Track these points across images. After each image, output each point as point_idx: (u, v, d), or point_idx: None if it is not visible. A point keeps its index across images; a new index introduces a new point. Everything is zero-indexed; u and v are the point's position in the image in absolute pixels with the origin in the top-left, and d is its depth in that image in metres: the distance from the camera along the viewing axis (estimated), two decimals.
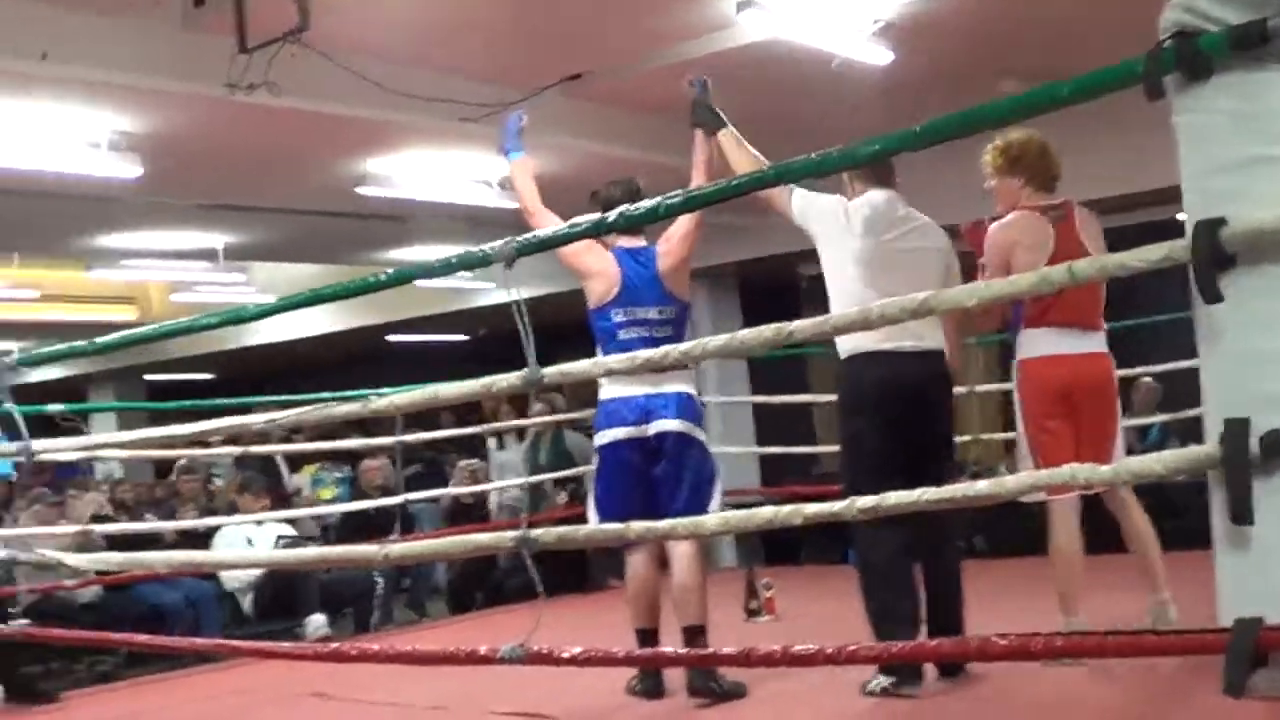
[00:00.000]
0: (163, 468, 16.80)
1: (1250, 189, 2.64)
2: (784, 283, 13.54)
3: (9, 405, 5.17)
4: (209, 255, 12.04)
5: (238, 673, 7.53)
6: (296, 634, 8.78)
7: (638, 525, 3.35)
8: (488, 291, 14.39)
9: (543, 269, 13.61)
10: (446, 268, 3.71)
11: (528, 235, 3.55)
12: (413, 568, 10.94)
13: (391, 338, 17.64)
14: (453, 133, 8.12)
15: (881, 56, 7.90)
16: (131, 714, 6.70)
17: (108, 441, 6.72)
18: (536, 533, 3.44)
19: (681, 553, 5.53)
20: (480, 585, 10.93)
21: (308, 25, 6.25)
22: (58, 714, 6.78)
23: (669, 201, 3.26)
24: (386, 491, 11.67)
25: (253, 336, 16.63)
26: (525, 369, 3.49)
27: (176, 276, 13.74)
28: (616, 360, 3.48)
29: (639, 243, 5.78)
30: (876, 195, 5.56)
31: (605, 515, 5.45)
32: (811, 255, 12.32)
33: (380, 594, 9.70)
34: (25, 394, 17.67)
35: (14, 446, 5.16)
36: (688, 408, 5.55)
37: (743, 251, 12.09)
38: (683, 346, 3.30)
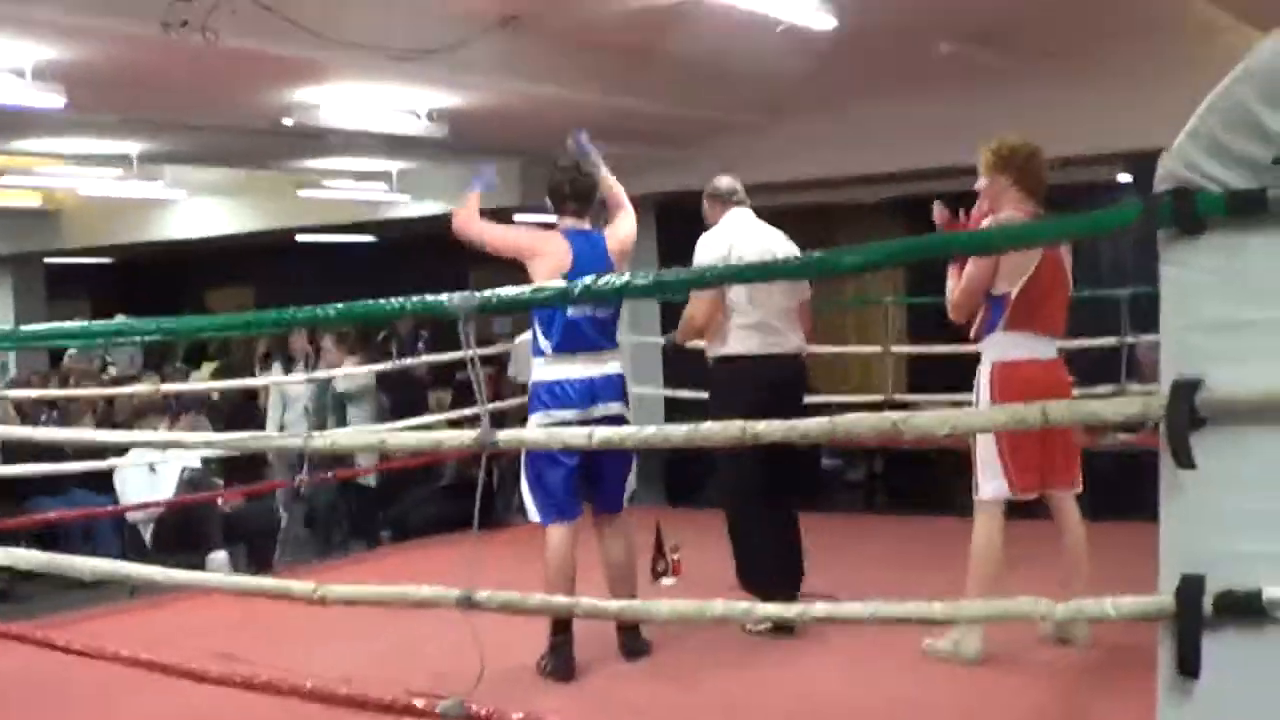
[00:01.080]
0: (57, 352, 16.61)
1: (1229, 350, 2.66)
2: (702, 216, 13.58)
3: None
4: (123, 160, 11.79)
5: (139, 616, 7.46)
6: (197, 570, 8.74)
7: (586, 602, 3.35)
8: (399, 205, 14.24)
9: (449, 189, 13.63)
10: (401, 310, 3.61)
11: (490, 292, 3.46)
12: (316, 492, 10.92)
13: (301, 238, 17.41)
14: (386, 68, 7.98)
15: (825, 22, 7.89)
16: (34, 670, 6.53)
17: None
18: (482, 595, 3.43)
19: (626, 543, 6.06)
20: (386, 509, 10.99)
21: None
22: None
23: (638, 282, 3.19)
24: None
25: (161, 231, 16.31)
26: (479, 429, 3.43)
27: (89, 187, 13.43)
28: (567, 434, 3.43)
29: (587, 226, 6.04)
30: (740, 216, 6.57)
31: (544, 498, 5.79)
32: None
33: (284, 528, 9.67)
34: None
35: None
36: (621, 388, 5.86)
37: (661, 183, 12.05)
38: (645, 432, 3.27)
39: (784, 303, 6.40)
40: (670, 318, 12.35)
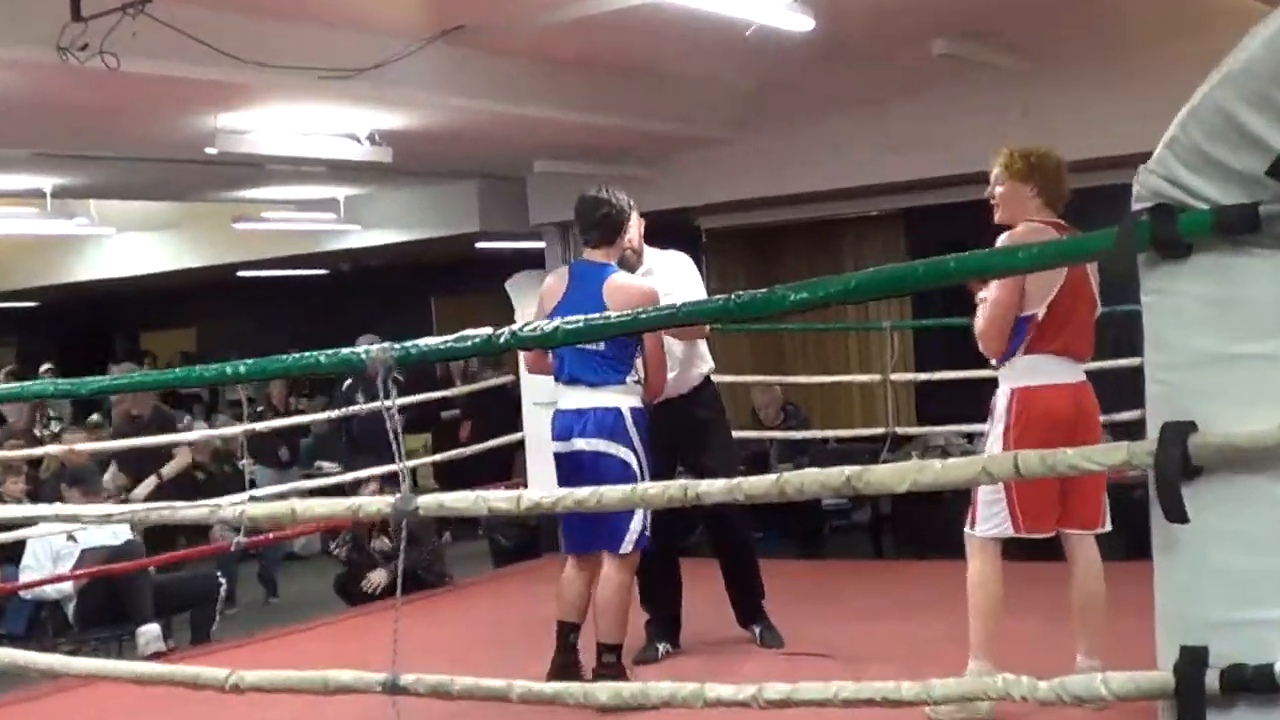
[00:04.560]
0: None
1: (1222, 389, 2.55)
2: (683, 235, 13.50)
3: None
4: (36, 194, 11.68)
5: (58, 701, 7.33)
6: (127, 647, 8.65)
7: (520, 686, 3.26)
8: (350, 234, 14.17)
9: (402, 217, 13.55)
10: (315, 365, 3.52)
11: (408, 344, 3.39)
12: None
13: (243, 274, 17.32)
14: (316, 89, 7.87)
15: (801, 24, 7.79)
16: None
17: None
18: (408, 679, 3.36)
19: (604, 574, 6.13)
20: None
21: None
22: None
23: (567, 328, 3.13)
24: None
25: (88, 271, 16.23)
26: (397, 495, 3.35)
27: (2, 226, 13.33)
28: (500, 498, 3.35)
29: (602, 259, 6.24)
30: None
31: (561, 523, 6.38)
32: (712, 209, 12.27)
33: (224, 595, 9.58)
34: None
35: None
36: (607, 424, 6.02)
37: (640, 203, 12.01)
38: None
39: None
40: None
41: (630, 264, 6.62)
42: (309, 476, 12.67)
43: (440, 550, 10.23)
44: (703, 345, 6.93)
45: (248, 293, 19.13)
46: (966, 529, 5.54)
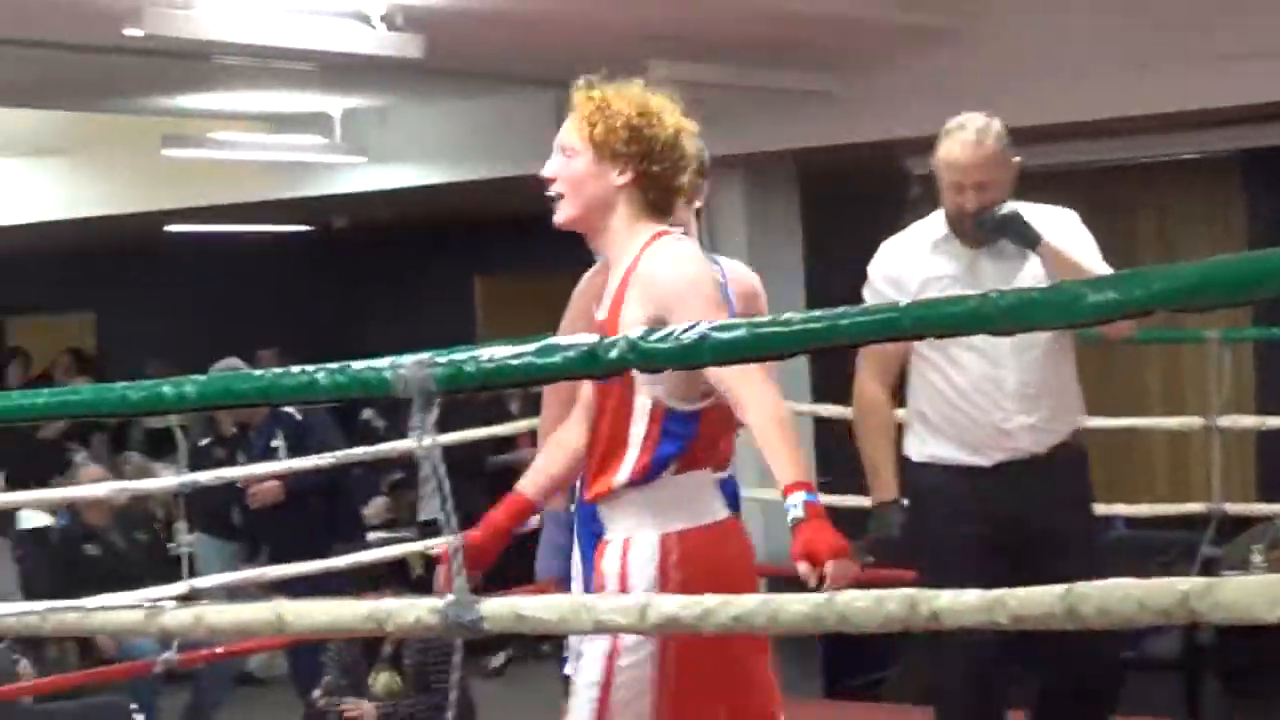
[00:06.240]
0: None
1: None
2: (879, 183, 13.40)
3: None
4: None
5: None
6: None
7: None
8: (348, 169, 14.21)
9: (434, 145, 13.62)
10: (310, 387, 3.54)
11: (458, 356, 3.39)
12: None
13: (175, 229, 17.44)
14: None
15: None
16: None
17: None
18: None
19: None
20: None
21: None
22: None
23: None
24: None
25: None
26: (450, 598, 3.40)
27: None
28: (615, 607, 3.40)
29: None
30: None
31: None
32: (929, 145, 12.56)
33: None
34: None
35: None
36: None
37: (816, 131, 11.95)
38: None
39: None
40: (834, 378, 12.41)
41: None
42: None
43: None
44: (1073, 373, 6.58)
45: (182, 259, 19.28)
46: None
